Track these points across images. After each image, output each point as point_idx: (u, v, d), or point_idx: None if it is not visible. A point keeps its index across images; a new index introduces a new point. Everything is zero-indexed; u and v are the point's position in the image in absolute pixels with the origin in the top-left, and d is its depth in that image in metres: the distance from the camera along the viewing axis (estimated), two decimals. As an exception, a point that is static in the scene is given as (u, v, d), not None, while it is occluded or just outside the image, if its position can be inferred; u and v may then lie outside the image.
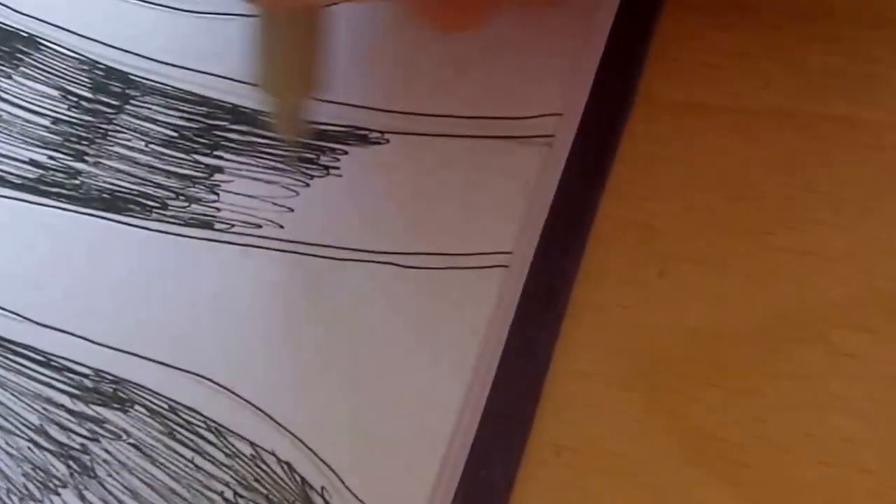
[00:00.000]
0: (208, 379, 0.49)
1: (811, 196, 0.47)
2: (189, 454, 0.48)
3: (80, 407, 0.50)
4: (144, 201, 0.53)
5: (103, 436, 0.49)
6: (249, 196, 0.52)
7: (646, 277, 0.47)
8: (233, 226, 0.51)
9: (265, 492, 0.47)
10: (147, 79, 0.57)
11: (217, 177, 0.53)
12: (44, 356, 0.51)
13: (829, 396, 0.43)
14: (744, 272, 0.46)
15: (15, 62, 0.59)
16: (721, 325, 0.46)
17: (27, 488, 0.48)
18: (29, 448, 0.49)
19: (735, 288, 0.46)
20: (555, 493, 0.45)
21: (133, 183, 0.53)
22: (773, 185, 0.47)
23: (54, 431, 0.50)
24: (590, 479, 0.45)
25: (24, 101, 0.57)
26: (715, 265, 0.47)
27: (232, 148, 0.53)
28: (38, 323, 0.52)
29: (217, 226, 0.52)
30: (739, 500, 0.43)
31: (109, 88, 0.56)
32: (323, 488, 0.47)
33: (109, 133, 0.54)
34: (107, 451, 0.49)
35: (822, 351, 0.44)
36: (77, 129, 0.56)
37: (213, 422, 0.48)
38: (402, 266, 0.49)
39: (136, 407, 0.49)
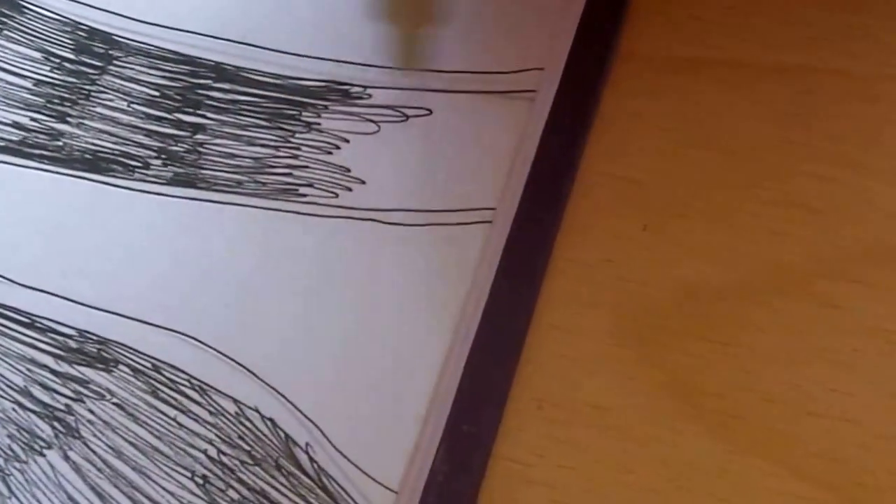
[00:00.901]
0: (192, 338, 0.48)
1: (799, 149, 0.46)
2: (172, 412, 0.47)
3: (64, 368, 0.48)
4: (127, 161, 0.51)
5: (87, 396, 0.47)
6: (231, 154, 0.50)
7: (630, 231, 0.46)
8: (214, 184, 0.49)
9: (249, 448, 0.45)
10: (131, 39, 0.55)
11: (199, 136, 0.51)
12: (28, 317, 0.50)
13: (815, 348, 0.43)
14: (729, 225, 0.45)
15: (-1, 26, 0.57)
16: (706, 278, 0.45)
17: (12, 449, 0.47)
18: (13, 409, 0.48)
19: (720, 241, 0.45)
20: (537, 446, 0.44)
21: (115, 143, 0.52)
22: (761, 139, 0.46)
23: (38, 392, 0.48)
24: (572, 432, 0.44)
25: (6, 63, 0.56)
26: (700, 219, 0.46)
27: (214, 106, 0.51)
28: (21, 284, 0.50)
29: (199, 184, 0.50)
30: (727, 451, 0.42)
31: (93, 49, 0.55)
32: (307, 444, 0.46)
33: (92, 94, 0.53)
34: (91, 412, 0.47)
35: (809, 303, 0.43)
36: (60, 91, 0.54)
37: (197, 380, 0.47)
38: (383, 223, 0.48)
39: (120, 367, 0.48)
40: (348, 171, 0.49)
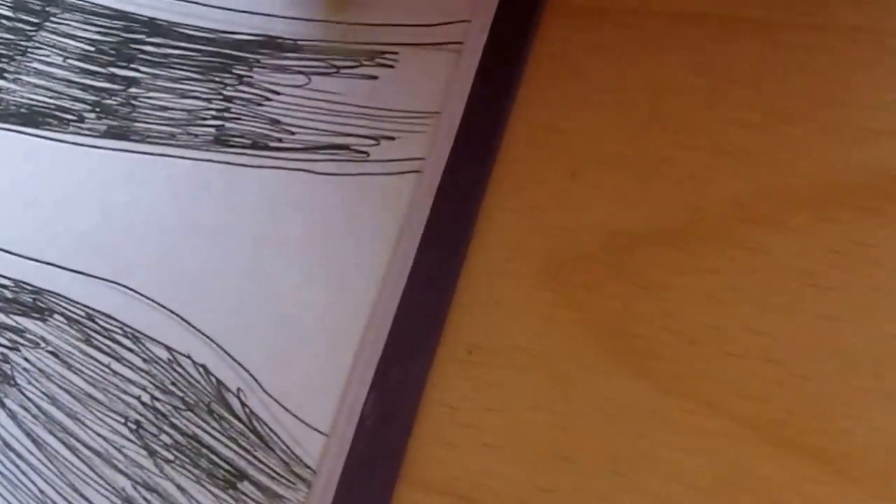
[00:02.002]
0: (124, 286, 0.47)
1: (718, 96, 0.45)
2: (106, 360, 0.46)
3: None
4: (62, 115, 0.50)
5: (23, 345, 0.46)
6: (164, 107, 0.49)
7: (557, 179, 0.45)
8: (147, 136, 0.48)
9: (181, 394, 0.44)
10: (67, -4, 0.54)
11: (133, 89, 0.50)
12: (-37, 268, 0.48)
13: (735, 290, 0.42)
14: (652, 172, 0.44)
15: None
16: (631, 223, 0.44)
17: (-51, 398, 0.46)
18: (-49, 359, 0.47)
19: (643, 187, 0.44)
20: (468, 390, 0.43)
21: (51, 97, 0.50)
22: (681, 87, 0.45)
23: (-25, 342, 0.47)
24: (500, 376, 0.43)
25: (-56, 21, 0.54)
26: (624, 166, 0.45)
27: (147, 60, 0.50)
28: (-43, 236, 0.49)
29: (132, 137, 0.49)
30: (649, 390, 0.42)
31: (29, 7, 0.53)
32: (239, 389, 0.45)
33: (29, 50, 0.52)
34: (26, 360, 0.46)
35: (728, 246, 0.43)
36: (-3, 48, 0.53)
37: (130, 328, 0.46)
38: (314, 172, 0.47)
39: (55, 315, 0.47)
40: (278, 122, 0.47)
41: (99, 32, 0.51)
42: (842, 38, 0.44)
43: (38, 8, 0.53)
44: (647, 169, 0.44)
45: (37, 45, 0.51)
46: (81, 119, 0.49)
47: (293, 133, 0.47)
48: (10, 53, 0.51)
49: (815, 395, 0.40)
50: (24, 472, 0.45)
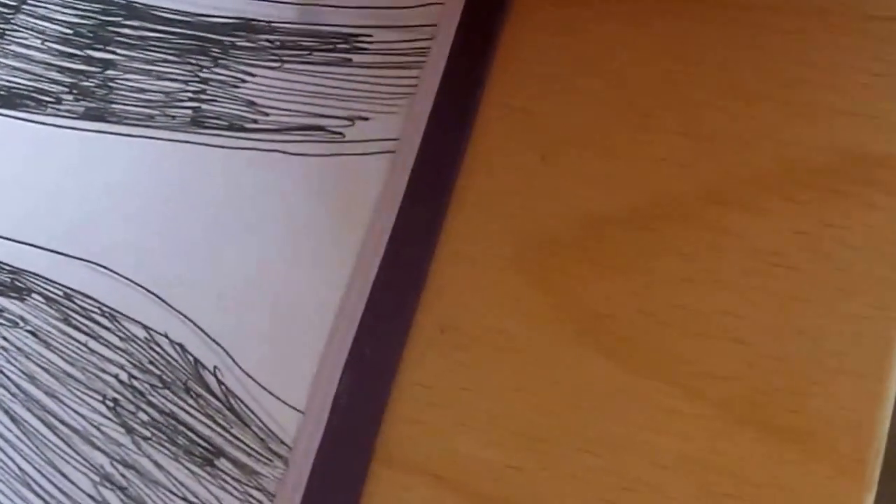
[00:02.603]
0: (102, 266, 0.46)
1: (688, 79, 0.45)
2: (84, 339, 0.45)
3: (-22, 298, 0.47)
4: (39, 97, 0.49)
5: (1, 324, 0.46)
6: (141, 88, 0.49)
7: (529, 162, 0.45)
8: (125, 118, 0.48)
9: (159, 372, 0.44)
10: (44, -21, 0.53)
11: (110, 71, 0.49)
12: (-59, 248, 0.48)
13: (705, 272, 0.42)
14: (623, 155, 0.44)
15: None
16: (602, 206, 0.44)
17: (-73, 378, 0.45)
18: (-71, 337, 0.46)
19: (615, 171, 0.44)
20: (441, 370, 0.43)
21: (29, 80, 0.50)
22: (652, 70, 0.45)
23: (-47, 321, 0.46)
24: (473, 356, 0.43)
25: (-78, 4, 0.54)
26: (596, 149, 0.45)
27: (124, 43, 0.50)
28: (-66, 216, 0.48)
29: (109, 118, 0.48)
30: (621, 371, 0.42)
31: (8, -10, 0.53)
32: (215, 367, 0.45)
33: (7, 32, 0.51)
34: (4, 339, 0.46)
35: (699, 229, 0.43)
36: (-26, 31, 0.52)
37: (108, 307, 0.45)
38: (289, 153, 0.47)
39: (33, 295, 0.46)
40: (253, 103, 0.47)
41: (77, 15, 0.51)
42: (810, 21, 0.44)
43: (16, -9, 0.52)
44: (616, 152, 0.44)
45: (15, 27, 0.51)
46: (59, 101, 0.49)
47: (268, 114, 0.47)
48: (-12, 36, 0.51)
49: (784, 374, 0.40)
50: (2, 450, 0.44)
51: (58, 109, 0.49)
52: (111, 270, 0.46)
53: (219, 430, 0.43)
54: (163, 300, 0.45)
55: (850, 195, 0.42)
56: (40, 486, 0.44)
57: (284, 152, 0.47)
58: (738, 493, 0.40)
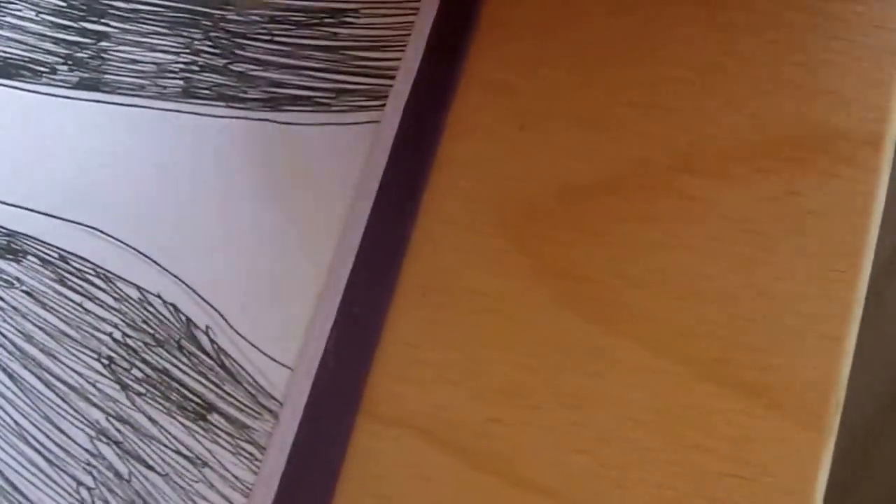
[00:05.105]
0: (96, 229, 0.45)
1: (656, 53, 0.45)
2: (79, 299, 0.44)
3: (-25, 259, 0.45)
4: (34, 67, 0.48)
5: (-3, 285, 0.44)
6: (133, 59, 0.47)
7: (508, 132, 0.45)
8: (118, 87, 0.46)
9: (152, 331, 0.43)
10: (39, -47, 0.52)
11: (103, 43, 0.48)
12: (-62, 212, 0.46)
13: (677, 236, 0.42)
14: (597, 126, 0.44)
15: None
16: (578, 175, 0.43)
17: (-76, 334, 0.44)
18: (-73, 299, 0.45)
19: (590, 140, 0.44)
20: (425, 329, 0.43)
21: (24, 50, 0.49)
22: (626, 46, 0.45)
23: (-50, 283, 0.45)
24: (457, 316, 0.43)
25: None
26: (571, 120, 0.44)
27: (118, 16, 0.48)
28: (-70, 181, 0.47)
29: (103, 88, 0.47)
30: (597, 332, 0.42)
31: (2, -37, 0.51)
32: (207, 326, 0.44)
33: (2, 4, 0.49)
34: (1, 299, 0.44)
35: (670, 196, 0.43)
36: (-31, 3, 0.51)
37: (102, 269, 0.44)
38: (277, 122, 0.46)
39: (29, 257, 0.45)
40: (243, 74, 0.46)
41: (70, -12, 0.49)
42: (776, 3, 0.44)
43: (11, -35, 0.50)
44: (591, 123, 0.44)
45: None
46: (54, 71, 0.48)
47: (257, 85, 0.46)
48: (-16, 8, 0.49)
49: (750, 333, 0.40)
50: (0, 406, 0.43)
51: (52, 79, 0.48)
52: (105, 233, 0.45)
53: (211, 386, 0.42)
54: (156, 262, 0.44)
55: (814, 165, 0.42)
56: (37, 440, 0.43)
57: (273, 121, 0.46)
58: (706, 445, 0.40)
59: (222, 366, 0.42)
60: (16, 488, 0.42)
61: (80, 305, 0.44)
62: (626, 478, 0.40)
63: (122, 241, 0.45)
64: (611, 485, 0.40)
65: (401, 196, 0.44)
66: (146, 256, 0.44)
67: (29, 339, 0.44)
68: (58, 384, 0.43)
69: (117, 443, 0.42)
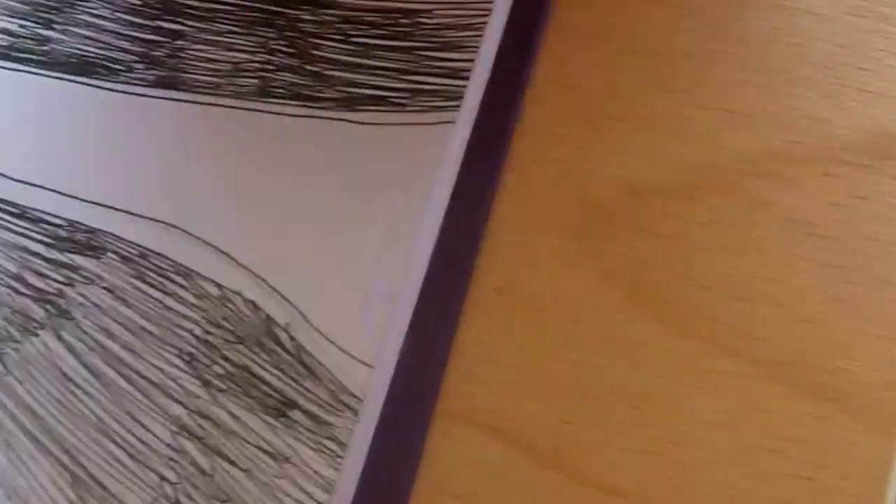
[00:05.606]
0: (176, 227, 0.46)
1: (728, 57, 0.45)
2: (159, 295, 0.44)
3: (55, 255, 0.46)
4: (111, 65, 0.48)
5: (78, 281, 0.45)
6: (209, 59, 0.47)
7: (577, 134, 0.45)
8: (194, 86, 0.47)
9: (232, 328, 0.43)
10: (113, -49, 0.52)
11: (179, 42, 0.48)
12: (19, 209, 0.47)
13: (744, 240, 0.42)
14: (666, 128, 0.44)
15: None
16: (647, 177, 0.44)
17: (7, 330, 0.45)
18: (8, 294, 0.45)
19: (658, 143, 0.44)
20: (497, 329, 0.43)
21: (100, 48, 0.49)
22: (696, 49, 0.45)
23: (31, 278, 0.46)
24: (529, 318, 0.43)
25: (-8, -28, 0.52)
26: (640, 122, 0.44)
27: (193, 14, 0.48)
28: (11, 178, 0.47)
29: (180, 86, 0.47)
30: (664, 333, 0.42)
31: (76, -39, 0.51)
32: (287, 323, 0.44)
33: (77, 2, 0.49)
34: (82, 295, 0.45)
35: (739, 199, 0.43)
36: None
37: (182, 266, 0.44)
38: (354, 122, 0.46)
39: (109, 254, 0.45)
40: (319, 74, 0.46)
41: (145, -13, 0.49)
42: (839, 7, 0.44)
43: (85, -38, 0.50)
44: (660, 126, 0.44)
45: (84, -3, 0.49)
46: (130, 69, 0.48)
47: (332, 85, 0.46)
48: (59, 5, 0.50)
49: (818, 337, 0.40)
50: (81, 401, 0.43)
51: (129, 77, 0.48)
52: (185, 231, 0.45)
53: (291, 383, 0.42)
54: (236, 260, 0.45)
55: (880, 170, 0.42)
56: (119, 435, 0.43)
57: (349, 121, 0.46)
58: (775, 447, 0.40)
59: (302, 363, 0.42)
60: (99, 483, 0.42)
61: (160, 302, 0.44)
62: (696, 479, 0.40)
63: (202, 239, 0.45)
64: (680, 486, 0.40)
65: (474, 197, 0.44)
66: (225, 254, 0.44)
67: (110, 335, 0.44)
68: (139, 380, 0.43)
69: (199, 438, 0.42)
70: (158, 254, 0.45)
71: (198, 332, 0.43)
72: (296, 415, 0.42)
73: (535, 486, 0.41)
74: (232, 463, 0.42)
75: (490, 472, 0.41)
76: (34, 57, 0.50)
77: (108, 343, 0.44)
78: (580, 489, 0.41)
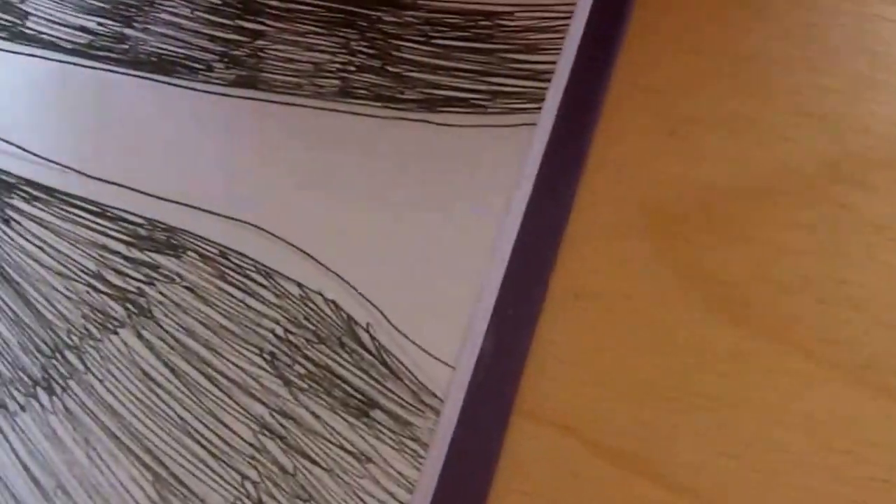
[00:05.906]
0: (256, 226, 0.45)
1: (813, 64, 0.44)
2: (240, 295, 0.44)
3: (135, 253, 0.46)
4: (190, 64, 0.48)
5: (158, 280, 0.45)
6: (290, 59, 0.47)
7: (657, 136, 0.44)
8: (274, 86, 0.47)
9: (314, 328, 0.43)
10: (193, -50, 0.52)
11: (259, 41, 0.48)
12: (99, 207, 0.47)
13: (823, 243, 0.42)
14: (746, 132, 0.44)
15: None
16: (727, 180, 0.43)
17: (87, 329, 0.45)
18: (87, 292, 0.45)
19: (738, 146, 0.43)
20: (574, 331, 0.43)
21: (179, 47, 0.49)
22: (775, 53, 0.45)
23: (111, 276, 0.46)
24: (606, 319, 0.43)
25: (73, -28, 0.52)
26: (721, 125, 0.44)
27: (273, 14, 0.48)
28: (91, 176, 0.47)
29: (260, 86, 0.47)
30: (744, 335, 0.41)
31: (155, -40, 0.51)
32: (368, 324, 0.44)
33: (157, 1, 0.49)
34: (162, 294, 0.45)
35: (820, 203, 0.42)
36: (125, -2, 0.51)
37: (262, 265, 0.44)
38: (435, 124, 0.46)
39: (189, 253, 0.45)
40: (400, 76, 0.46)
41: (223, -13, 0.49)
42: None
43: (164, -38, 0.50)
44: (740, 129, 0.44)
45: (163, -4, 0.49)
46: (210, 68, 0.48)
47: (413, 86, 0.46)
48: (139, 4, 0.50)
49: None
50: (163, 400, 0.43)
51: (209, 76, 0.48)
52: (266, 230, 0.45)
53: (373, 383, 0.42)
54: (317, 260, 0.45)
55: None
56: (200, 434, 0.43)
57: (430, 122, 0.46)
58: (856, 450, 0.39)
59: (384, 363, 0.42)
60: (181, 482, 0.42)
61: (241, 301, 0.44)
62: (772, 481, 0.40)
63: (282, 238, 0.45)
64: (757, 488, 0.40)
65: (553, 199, 0.44)
66: (307, 254, 0.44)
67: (191, 334, 0.44)
68: (220, 379, 0.43)
69: (281, 437, 0.42)
70: (239, 253, 0.45)
71: (279, 331, 0.43)
72: (377, 415, 0.42)
73: (611, 486, 0.41)
74: (314, 462, 0.42)
75: (566, 471, 0.41)
76: (113, 55, 0.50)
77: (189, 342, 0.44)
78: (655, 490, 0.41)
